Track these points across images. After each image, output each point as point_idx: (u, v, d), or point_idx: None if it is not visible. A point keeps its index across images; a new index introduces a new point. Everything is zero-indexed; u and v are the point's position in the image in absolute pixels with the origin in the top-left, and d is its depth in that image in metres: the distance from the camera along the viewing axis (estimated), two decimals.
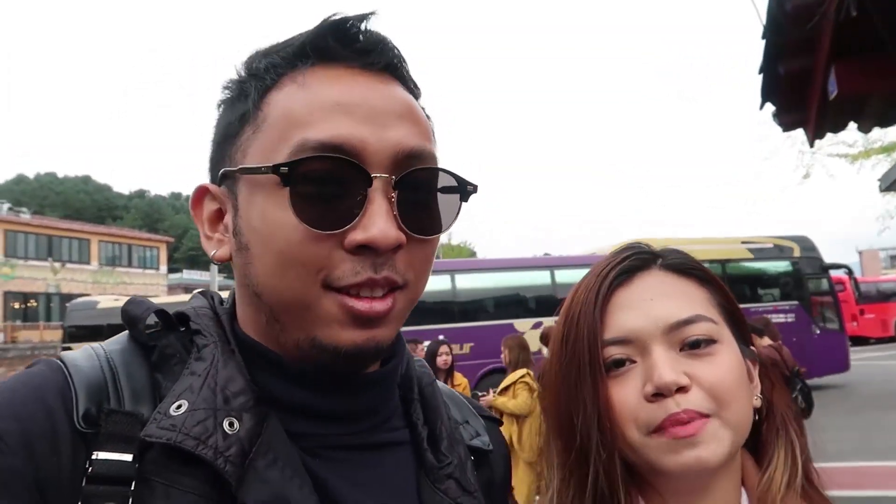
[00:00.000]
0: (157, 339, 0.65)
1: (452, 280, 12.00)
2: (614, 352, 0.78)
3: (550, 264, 13.18)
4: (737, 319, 0.83)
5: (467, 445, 0.78)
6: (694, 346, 0.76)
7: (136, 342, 0.66)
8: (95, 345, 0.65)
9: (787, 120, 4.65)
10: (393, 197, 0.62)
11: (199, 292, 0.74)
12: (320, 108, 0.62)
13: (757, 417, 0.81)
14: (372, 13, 0.66)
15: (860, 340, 23.82)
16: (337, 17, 0.65)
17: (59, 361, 0.61)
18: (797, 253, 14.30)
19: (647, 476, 0.79)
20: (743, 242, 14.33)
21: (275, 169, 0.60)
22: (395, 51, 0.68)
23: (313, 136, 0.61)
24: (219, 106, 0.71)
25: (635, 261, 0.83)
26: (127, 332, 0.67)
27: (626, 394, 0.76)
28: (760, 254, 14.22)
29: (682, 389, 0.73)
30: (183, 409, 0.59)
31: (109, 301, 19.54)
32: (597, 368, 0.77)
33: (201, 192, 0.71)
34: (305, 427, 0.66)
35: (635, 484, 0.80)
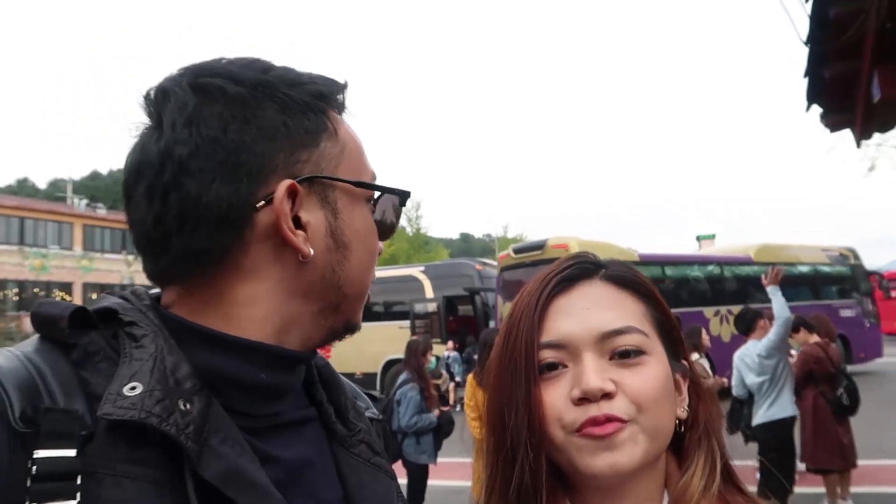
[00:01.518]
0: (77, 337, 0.63)
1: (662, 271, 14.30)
2: (548, 355, 0.80)
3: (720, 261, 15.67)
4: (670, 334, 0.86)
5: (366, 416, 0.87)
6: (623, 356, 0.79)
7: (51, 343, 0.64)
8: (7, 349, 0.64)
9: (833, 121, 4.72)
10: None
11: (106, 293, 0.73)
12: (363, 153, 0.80)
13: (682, 428, 0.85)
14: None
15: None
16: (343, 80, 0.79)
17: None
18: (852, 260, 17.80)
19: (572, 476, 0.81)
20: (823, 250, 17.46)
21: (391, 190, 0.81)
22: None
23: (371, 172, 0.80)
24: (248, 105, 0.69)
25: (577, 270, 0.86)
26: (37, 335, 0.66)
27: (556, 396, 0.79)
28: (832, 259, 17.40)
29: (607, 396, 0.76)
30: (139, 391, 0.59)
31: None
32: (531, 370, 0.80)
33: (293, 189, 0.70)
34: (244, 405, 0.69)
35: (563, 485, 0.82)
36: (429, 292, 16.03)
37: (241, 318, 0.70)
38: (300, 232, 0.70)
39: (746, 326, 5.92)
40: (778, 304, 5.34)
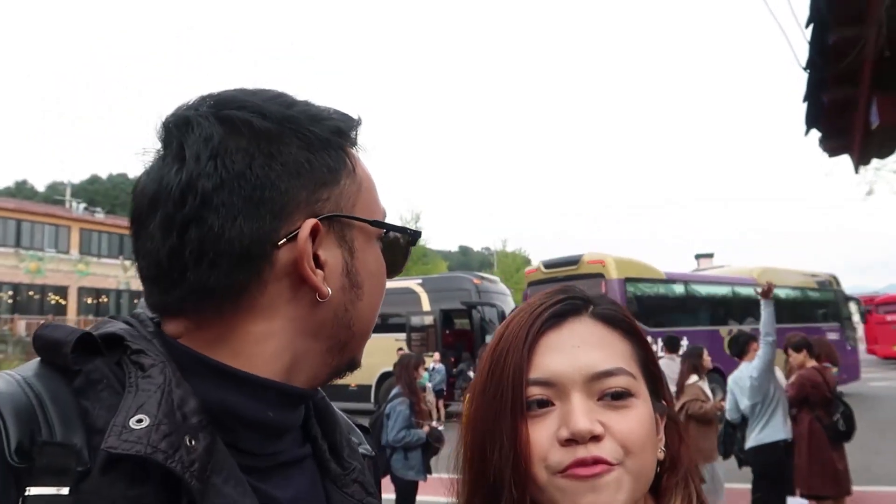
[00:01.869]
0: (81, 363, 0.61)
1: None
2: (536, 392, 0.79)
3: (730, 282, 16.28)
4: (653, 374, 0.86)
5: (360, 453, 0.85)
6: (613, 398, 0.78)
7: (53, 368, 0.62)
8: (6, 372, 0.62)
9: (832, 146, 4.75)
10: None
11: (110, 317, 0.71)
12: (376, 190, 0.80)
13: (658, 469, 0.83)
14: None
15: None
16: (357, 116, 0.79)
17: None
18: (835, 286, 18.81)
19: None
20: (812, 276, 18.37)
21: (404, 230, 0.81)
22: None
23: (382, 210, 0.80)
24: (273, 141, 0.69)
25: (568, 305, 0.84)
26: (38, 359, 0.64)
27: (542, 435, 0.77)
28: (820, 284, 18.28)
29: (595, 438, 0.75)
30: (145, 424, 0.57)
31: None
32: (518, 406, 0.78)
33: (315, 228, 0.69)
34: (247, 443, 0.68)
35: None
36: (426, 305, 16.03)
37: (251, 355, 0.68)
38: (319, 271, 0.70)
39: (739, 349, 5.91)
40: (767, 320, 5.34)
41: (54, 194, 56.05)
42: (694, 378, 6.11)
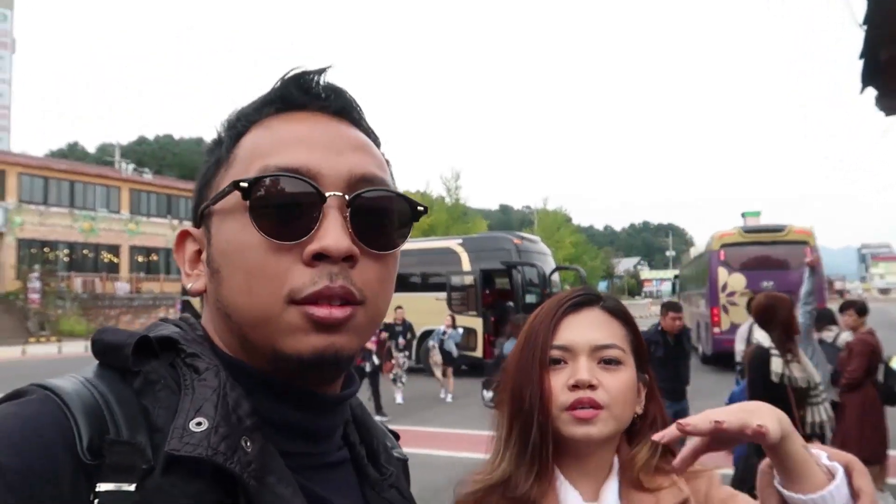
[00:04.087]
0: (140, 365, 0.63)
1: None
2: (556, 353, 1.14)
3: None
4: (639, 353, 1.20)
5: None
6: (607, 363, 1.13)
7: (112, 370, 0.64)
8: (71, 374, 0.64)
9: (888, 104, 4.58)
10: (346, 214, 0.66)
11: (162, 319, 0.74)
12: (281, 142, 0.68)
13: (637, 420, 1.18)
14: (329, 67, 0.74)
15: None
16: (299, 70, 0.73)
17: (46, 390, 0.59)
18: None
19: (557, 440, 1.12)
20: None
21: (235, 185, 0.65)
22: (350, 97, 0.75)
23: (273, 162, 0.67)
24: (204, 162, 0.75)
25: (585, 298, 1.21)
26: (96, 363, 0.65)
27: (557, 382, 1.12)
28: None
29: (591, 387, 1.10)
30: (204, 427, 0.59)
31: None
32: (544, 361, 1.14)
33: (182, 236, 0.74)
34: (290, 446, 0.68)
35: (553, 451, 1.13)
36: (466, 265, 16.07)
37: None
38: (195, 271, 0.73)
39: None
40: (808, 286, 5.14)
41: (104, 156, 57.54)
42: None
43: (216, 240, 0.69)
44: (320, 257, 0.64)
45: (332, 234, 0.64)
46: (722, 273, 15.00)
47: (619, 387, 1.12)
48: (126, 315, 31.50)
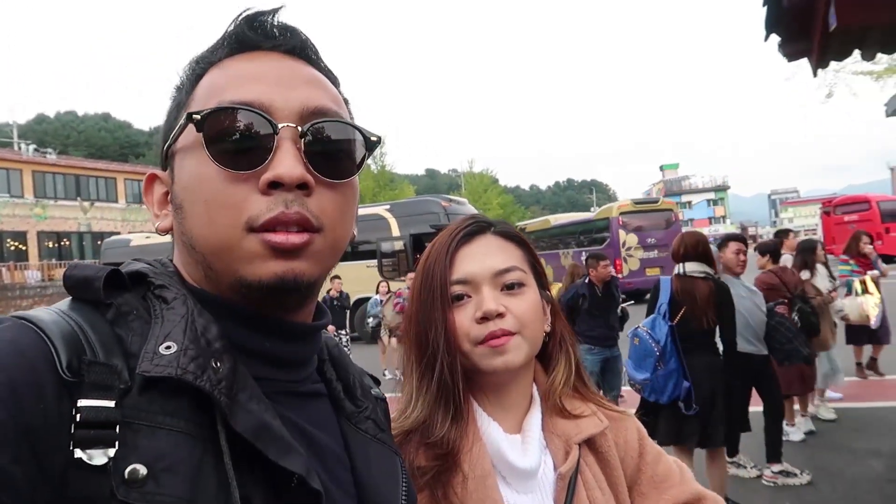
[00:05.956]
0: (112, 297, 0.66)
1: None
2: (457, 289, 1.09)
3: None
4: (538, 271, 1.18)
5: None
6: (510, 288, 1.10)
7: (85, 303, 0.66)
8: (45, 307, 0.66)
9: (791, 50, 4.73)
10: (300, 145, 0.69)
11: (134, 260, 0.75)
12: (235, 79, 0.71)
13: (547, 339, 1.17)
14: (281, 7, 0.76)
15: (885, 259, 24.16)
16: (252, 11, 0.75)
17: (22, 320, 0.61)
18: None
19: (474, 377, 1.11)
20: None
21: (189, 117, 0.68)
22: (304, 37, 0.77)
23: (227, 97, 0.69)
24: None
25: (475, 227, 1.16)
26: (69, 298, 0.67)
27: (464, 318, 1.08)
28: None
29: (500, 315, 1.07)
30: (173, 350, 0.62)
31: (141, 238, 20.22)
32: (445, 299, 1.09)
33: (150, 179, 0.77)
34: (262, 371, 0.71)
35: (468, 386, 1.11)
36: (395, 230, 16.04)
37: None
38: (163, 211, 0.76)
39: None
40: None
41: None
42: (805, 275, 6.11)
43: (178, 177, 0.72)
44: (275, 185, 0.66)
45: (286, 162, 0.67)
46: (621, 234, 20.15)
47: (526, 309, 1.10)
48: (41, 304, 29.69)
